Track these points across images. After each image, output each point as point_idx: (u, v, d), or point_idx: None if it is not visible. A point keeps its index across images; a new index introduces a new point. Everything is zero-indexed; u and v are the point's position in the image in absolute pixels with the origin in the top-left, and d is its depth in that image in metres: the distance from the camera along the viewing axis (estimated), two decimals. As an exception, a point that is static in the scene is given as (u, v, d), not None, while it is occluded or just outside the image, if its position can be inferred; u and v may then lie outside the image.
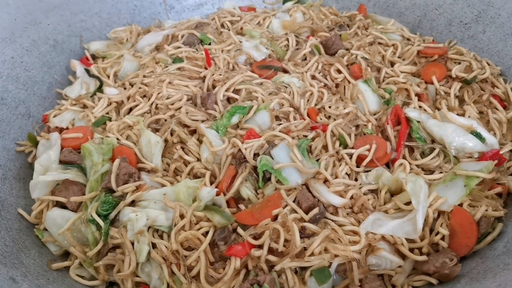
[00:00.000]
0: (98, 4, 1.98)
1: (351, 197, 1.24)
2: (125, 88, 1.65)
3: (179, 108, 1.51)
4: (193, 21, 1.94)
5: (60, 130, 1.52)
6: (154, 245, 1.16)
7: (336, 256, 1.11)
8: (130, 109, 1.57)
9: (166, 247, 1.14)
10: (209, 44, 1.79)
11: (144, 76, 1.65)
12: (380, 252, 1.12)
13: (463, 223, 1.17)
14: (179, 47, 1.78)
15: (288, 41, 1.80)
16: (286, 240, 1.13)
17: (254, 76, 1.63)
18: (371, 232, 1.15)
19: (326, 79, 1.63)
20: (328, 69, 1.65)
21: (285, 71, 1.67)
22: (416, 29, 1.98)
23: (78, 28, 1.90)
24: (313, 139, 1.38)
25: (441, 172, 1.32)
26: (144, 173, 1.33)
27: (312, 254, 1.11)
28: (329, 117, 1.48)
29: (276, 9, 2.16)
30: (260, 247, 1.15)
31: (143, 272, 1.15)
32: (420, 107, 1.47)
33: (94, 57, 1.85)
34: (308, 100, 1.53)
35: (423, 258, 1.13)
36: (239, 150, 1.35)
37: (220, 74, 1.63)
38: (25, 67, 1.67)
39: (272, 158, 1.30)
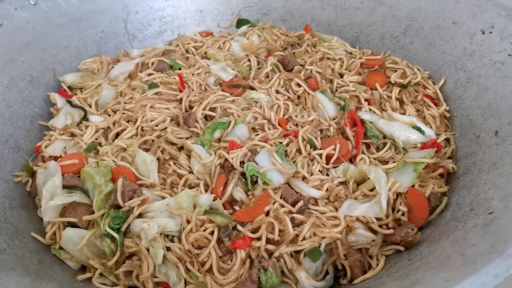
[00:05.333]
0: (66, 39, 2.10)
1: (327, 189, 1.48)
2: (109, 115, 1.79)
3: (164, 128, 1.69)
4: (159, 49, 2.12)
5: (55, 158, 1.64)
6: (167, 248, 1.33)
7: (323, 238, 1.34)
8: (117, 134, 1.72)
9: (179, 248, 1.31)
10: (179, 69, 1.98)
11: (125, 103, 1.80)
12: (357, 230, 1.37)
13: (417, 200, 1.46)
14: (151, 74, 1.96)
15: (250, 62, 2.03)
16: (280, 230, 1.35)
17: (226, 94, 1.84)
18: (348, 215, 1.40)
19: (289, 92, 1.87)
20: (289, 83, 1.90)
21: (252, 88, 1.89)
22: (355, 44, 2.28)
23: (51, 62, 2.01)
24: (287, 144, 1.61)
25: (394, 162, 1.60)
26: (144, 189, 1.49)
27: (303, 239, 1.33)
28: (297, 124, 1.73)
29: (232, 33, 2.39)
30: (259, 239, 1.36)
31: (160, 273, 1.31)
32: (370, 110, 1.76)
33: (71, 88, 1.97)
34: (276, 112, 1.77)
35: (390, 231, 1.40)
36: (226, 160, 1.55)
37: (195, 95, 1.83)
38: (8, 103, 1.76)
39: (257, 164, 1.52)
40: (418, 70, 1.97)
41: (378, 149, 1.65)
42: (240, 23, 2.46)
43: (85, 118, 1.77)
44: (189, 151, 1.61)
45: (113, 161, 1.57)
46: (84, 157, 1.61)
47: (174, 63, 2.00)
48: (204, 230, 1.37)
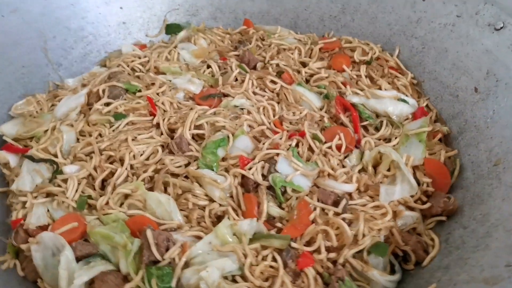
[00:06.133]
0: (-17, 84, 1.74)
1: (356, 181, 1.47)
2: (82, 161, 1.53)
3: (159, 161, 1.50)
4: (102, 73, 1.86)
5: (42, 228, 1.36)
6: (235, 290, 1.20)
7: (379, 230, 1.33)
8: (103, 180, 1.49)
9: (249, 287, 1.19)
10: (139, 91, 1.77)
11: (97, 142, 1.56)
12: (403, 213, 1.39)
13: (436, 168, 1.52)
14: (109, 103, 1.71)
15: (212, 68, 1.90)
16: (335, 235, 1.31)
17: (205, 108, 1.70)
18: (391, 201, 1.40)
19: (265, 91, 1.80)
20: (262, 82, 1.82)
21: (225, 95, 1.78)
22: (295, 30, 2.26)
23: (-24, 116, 1.65)
24: (296, 145, 1.55)
25: (396, 138, 1.64)
26: (173, 233, 1.31)
27: (363, 237, 1.31)
28: (290, 123, 1.67)
29: (167, 41, 2.20)
30: (316, 250, 1.30)
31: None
32: (355, 92, 1.77)
33: (17, 140, 1.64)
34: (264, 114, 1.69)
35: (428, 205, 1.44)
36: (243, 177, 1.45)
37: (171, 116, 1.65)
38: None
39: (279, 173, 1.44)
40: (368, 44, 2.03)
41: (376, 129, 1.68)
42: (170, 28, 2.29)
43: (57, 171, 1.49)
44: (197, 178, 1.46)
45: (121, 212, 1.35)
46: (81, 217, 1.36)
47: (129, 86, 1.77)
48: (262, 259, 1.26)
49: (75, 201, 1.42)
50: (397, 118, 1.68)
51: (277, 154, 1.48)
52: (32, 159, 1.51)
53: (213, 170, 1.47)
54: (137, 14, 2.27)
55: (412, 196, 1.45)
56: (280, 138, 1.55)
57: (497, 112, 1.54)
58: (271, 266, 1.24)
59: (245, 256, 1.24)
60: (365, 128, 1.69)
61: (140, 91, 1.77)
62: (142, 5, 2.27)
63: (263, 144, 1.54)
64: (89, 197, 1.44)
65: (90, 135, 1.61)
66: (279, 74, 1.85)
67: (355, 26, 2.15)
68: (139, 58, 1.95)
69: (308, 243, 1.32)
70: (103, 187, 1.49)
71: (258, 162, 1.47)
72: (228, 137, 1.54)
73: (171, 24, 2.30)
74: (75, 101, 1.74)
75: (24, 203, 1.44)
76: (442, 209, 1.41)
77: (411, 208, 1.44)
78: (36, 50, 1.97)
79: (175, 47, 2.06)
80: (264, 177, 1.44)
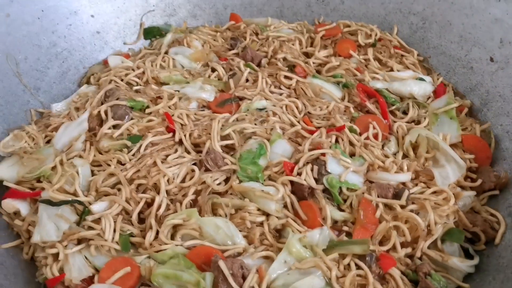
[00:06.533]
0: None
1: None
2: (105, 195, 1.36)
3: (196, 182, 1.37)
4: (97, 93, 1.66)
5: (88, 282, 1.18)
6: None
7: (447, 216, 1.30)
8: (139, 213, 1.33)
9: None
10: (147, 107, 1.60)
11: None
12: (462, 194, 1.36)
13: (474, 143, 1.52)
14: (117, 125, 1.53)
15: (218, 71, 1.76)
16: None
17: (227, 115, 1.57)
18: (449, 184, 1.37)
19: (281, 88, 1.70)
20: (275, 79, 1.72)
21: (241, 99, 1.66)
22: (281, 18, 2.17)
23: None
24: (336, 141, 1.47)
25: (425, 119, 1.61)
26: (241, 258, 1.20)
27: (435, 224, 1.27)
28: (318, 118, 1.59)
29: (150, 48, 2.03)
30: (391, 249, 1.24)
31: None
32: (373, 78, 1.71)
33: (19, 183, 1.42)
34: (289, 113, 1.59)
35: (479, 181, 1.42)
36: (292, 185, 1.35)
37: (192, 130, 1.51)
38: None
39: (331, 174, 1.36)
40: (366, 26, 1.98)
41: (404, 113, 1.64)
42: (148, 32, 2.11)
43: (85, 212, 1.30)
44: (243, 193, 1.34)
45: (178, 245, 1.21)
46: (130, 259, 1.20)
47: (134, 103, 1.59)
48: (344, 269, 1.18)
49: (116, 242, 1.25)
50: (422, 99, 1.66)
51: (323, 154, 1.39)
52: (50, 203, 1.31)
53: (260, 181, 1.36)
54: (110, 21, 2.05)
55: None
56: (320, 137, 1.46)
57: (522, 79, 1.55)
58: (359, 275, 1.17)
59: (329, 269, 1.15)
60: (392, 113, 1.64)
61: (148, 107, 1.59)
62: (115, 11, 2.06)
63: (303, 145, 1.44)
64: (131, 235, 1.28)
65: (108, 164, 1.43)
66: (290, 68, 1.76)
67: (346, 8, 2.10)
68: (133, 70, 1.76)
69: (381, 243, 1.26)
70: (140, 220, 1.33)
71: (303, 165, 1.38)
72: (265, 144, 1.43)
73: (149, 27, 2.12)
74: (77, 129, 1.54)
75: (55, 255, 1.24)
76: (494, 184, 1.41)
77: (463, 188, 1.42)
78: (8, 76, 1.72)
79: (166, 52, 1.89)
80: (316, 180, 1.35)
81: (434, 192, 1.36)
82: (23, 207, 1.35)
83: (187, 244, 1.21)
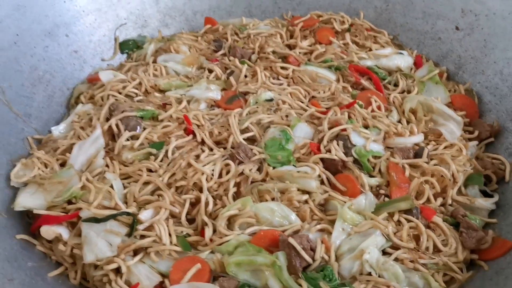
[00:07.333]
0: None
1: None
2: (145, 204, 1.35)
3: (234, 175, 1.40)
4: (101, 109, 1.63)
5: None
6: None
7: (463, 164, 1.46)
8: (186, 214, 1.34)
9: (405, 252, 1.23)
10: (158, 114, 1.60)
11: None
12: (469, 145, 1.55)
13: (461, 100, 1.71)
14: (134, 136, 1.52)
15: (216, 71, 1.80)
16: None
17: (239, 110, 1.62)
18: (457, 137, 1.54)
19: (279, 79, 1.78)
20: (271, 71, 1.79)
21: (245, 93, 1.71)
22: (251, 17, 2.24)
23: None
24: (349, 117, 1.58)
25: (414, 88, 1.78)
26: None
27: (458, 172, 1.42)
28: (324, 100, 1.70)
29: (132, 60, 2.01)
30: (426, 201, 1.38)
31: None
32: (361, 57, 1.85)
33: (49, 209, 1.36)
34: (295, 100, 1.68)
35: (477, 132, 1.61)
36: (323, 162, 1.44)
37: (211, 129, 1.55)
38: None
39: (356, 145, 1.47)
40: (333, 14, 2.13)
41: (395, 85, 1.79)
42: (124, 46, 2.09)
43: (135, 223, 1.29)
44: (279, 178, 1.41)
45: (240, 234, 1.24)
46: (196, 257, 1.22)
47: (144, 113, 1.59)
48: (396, 225, 1.29)
49: (174, 245, 1.25)
50: (407, 70, 1.82)
51: (343, 130, 1.49)
52: (96, 220, 1.28)
53: (290, 164, 1.43)
54: (85, 39, 2.01)
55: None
56: (336, 115, 1.56)
57: (489, 41, 1.77)
58: (412, 228, 1.28)
59: (386, 226, 1.25)
60: (384, 86, 1.78)
61: (159, 114, 1.60)
62: (87, 28, 2.02)
63: (322, 125, 1.53)
64: (187, 235, 1.29)
65: (140, 175, 1.41)
66: (282, 59, 1.85)
67: (311, 1, 2.23)
68: (129, 82, 1.75)
69: (415, 198, 1.38)
70: (188, 221, 1.35)
71: (327, 143, 1.47)
72: (287, 129, 1.50)
73: (125, 41, 2.10)
74: (93, 146, 1.51)
75: (116, 270, 1.22)
76: (490, 132, 1.60)
77: (465, 140, 1.59)
78: (-3, 106, 1.63)
79: (154, 61, 1.89)
80: (344, 154, 1.45)
81: (446, 147, 1.52)
82: (63, 231, 1.30)
83: (249, 231, 1.25)
